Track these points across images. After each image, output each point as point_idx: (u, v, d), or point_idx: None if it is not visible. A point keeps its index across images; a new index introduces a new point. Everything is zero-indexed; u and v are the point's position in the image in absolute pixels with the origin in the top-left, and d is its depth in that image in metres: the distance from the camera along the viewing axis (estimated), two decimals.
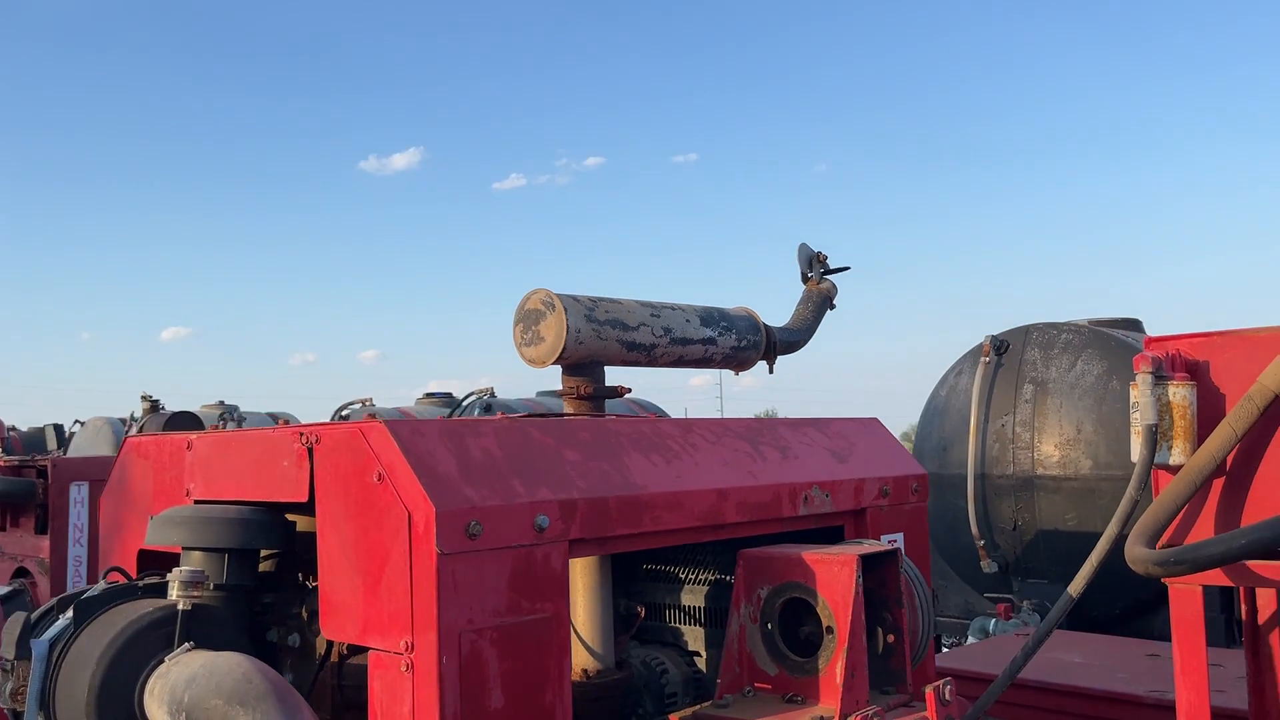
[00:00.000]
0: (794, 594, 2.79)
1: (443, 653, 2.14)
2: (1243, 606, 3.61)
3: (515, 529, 2.31)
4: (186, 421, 9.42)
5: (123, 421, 14.27)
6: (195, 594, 2.52)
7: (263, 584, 2.83)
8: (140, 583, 2.70)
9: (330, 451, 2.41)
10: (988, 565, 6.81)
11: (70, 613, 2.55)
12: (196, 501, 2.85)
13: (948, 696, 2.68)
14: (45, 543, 8.57)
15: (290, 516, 2.77)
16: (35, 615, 2.58)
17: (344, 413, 11.57)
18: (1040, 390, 6.81)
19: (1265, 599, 3.60)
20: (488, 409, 10.78)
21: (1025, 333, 7.10)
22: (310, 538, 2.84)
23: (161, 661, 2.42)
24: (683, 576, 3.32)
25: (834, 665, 2.67)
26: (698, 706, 2.76)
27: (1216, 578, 3.12)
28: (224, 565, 2.61)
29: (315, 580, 2.91)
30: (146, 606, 2.53)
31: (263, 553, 2.84)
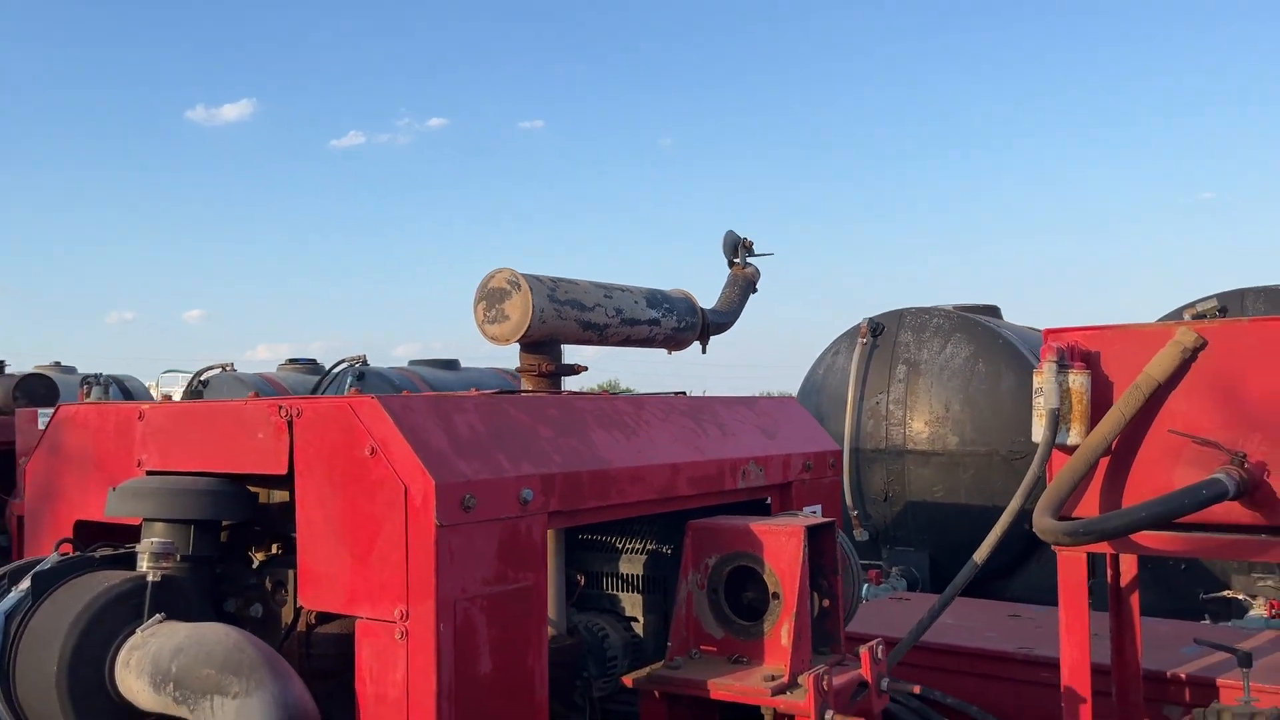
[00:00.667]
0: (741, 563, 2.98)
1: (440, 621, 2.22)
2: (1109, 572, 4.04)
3: (503, 502, 2.40)
4: (39, 384, 8.92)
5: None
6: (165, 566, 2.51)
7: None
8: (97, 554, 2.66)
9: (314, 424, 2.44)
10: (860, 534, 7.23)
11: (26, 584, 2.49)
12: (149, 472, 2.80)
13: (879, 655, 2.93)
14: None
15: (252, 489, 2.77)
16: None
17: (203, 378, 11.16)
18: (912, 370, 7.26)
19: (1127, 565, 4.04)
20: (361, 377, 10.61)
21: (899, 316, 7.53)
22: (272, 509, 2.85)
23: (132, 633, 2.40)
24: (620, 546, 3.47)
25: (779, 628, 2.88)
26: (652, 667, 2.93)
27: (1100, 546, 3.49)
28: (189, 537, 2.59)
29: (269, 552, 2.92)
30: (112, 578, 2.49)
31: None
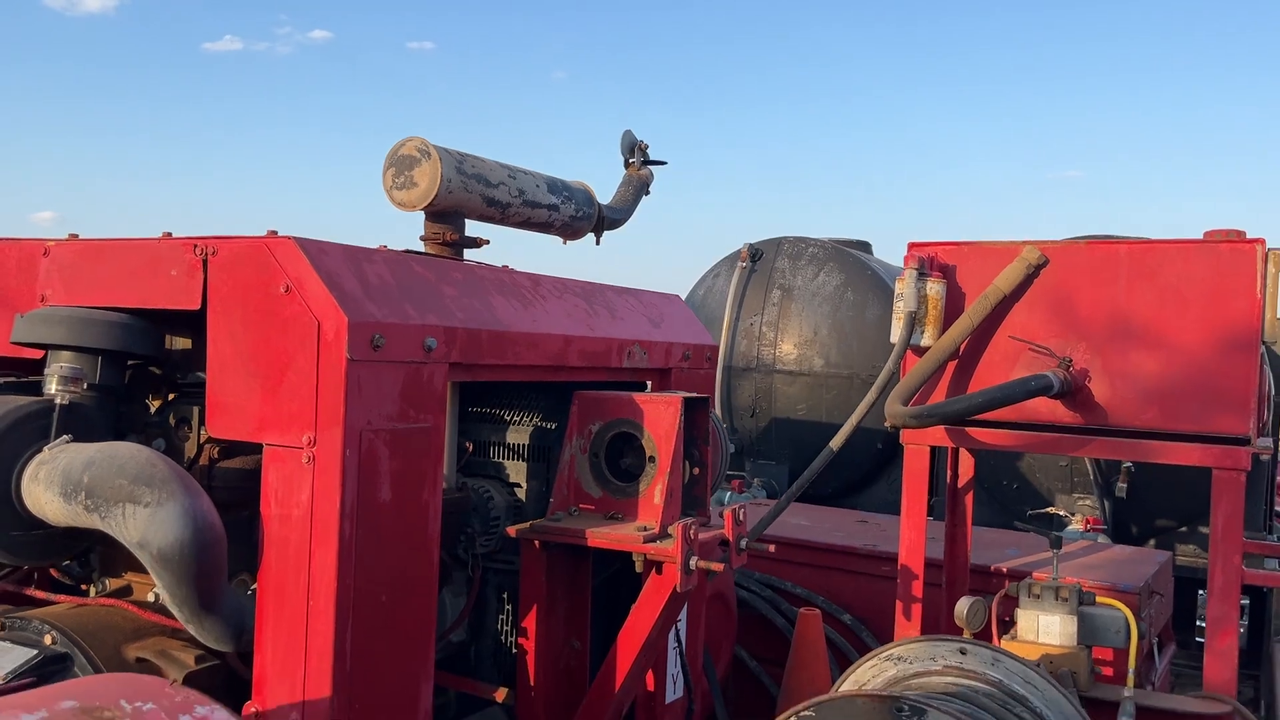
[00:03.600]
0: (622, 429, 3.23)
1: (346, 447, 2.40)
2: (949, 473, 4.48)
3: (409, 347, 2.57)
4: None
5: None
6: (74, 389, 2.60)
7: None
8: (1, 380, 2.72)
9: (229, 263, 2.55)
10: (730, 446, 7.64)
11: None
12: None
13: (741, 518, 3.23)
14: None
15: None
16: None
17: None
18: (786, 295, 7.63)
19: (965, 467, 4.49)
20: None
21: (778, 244, 7.88)
22: (174, 354, 2.94)
23: (39, 451, 2.50)
24: (508, 419, 3.67)
25: (653, 488, 3.15)
26: (533, 521, 3.17)
27: (940, 439, 3.89)
28: (97, 366, 2.68)
29: (165, 400, 3.02)
30: (19, 400, 2.57)
31: None
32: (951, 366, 3.80)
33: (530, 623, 3.23)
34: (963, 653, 2.88)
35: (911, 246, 3.85)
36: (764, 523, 3.96)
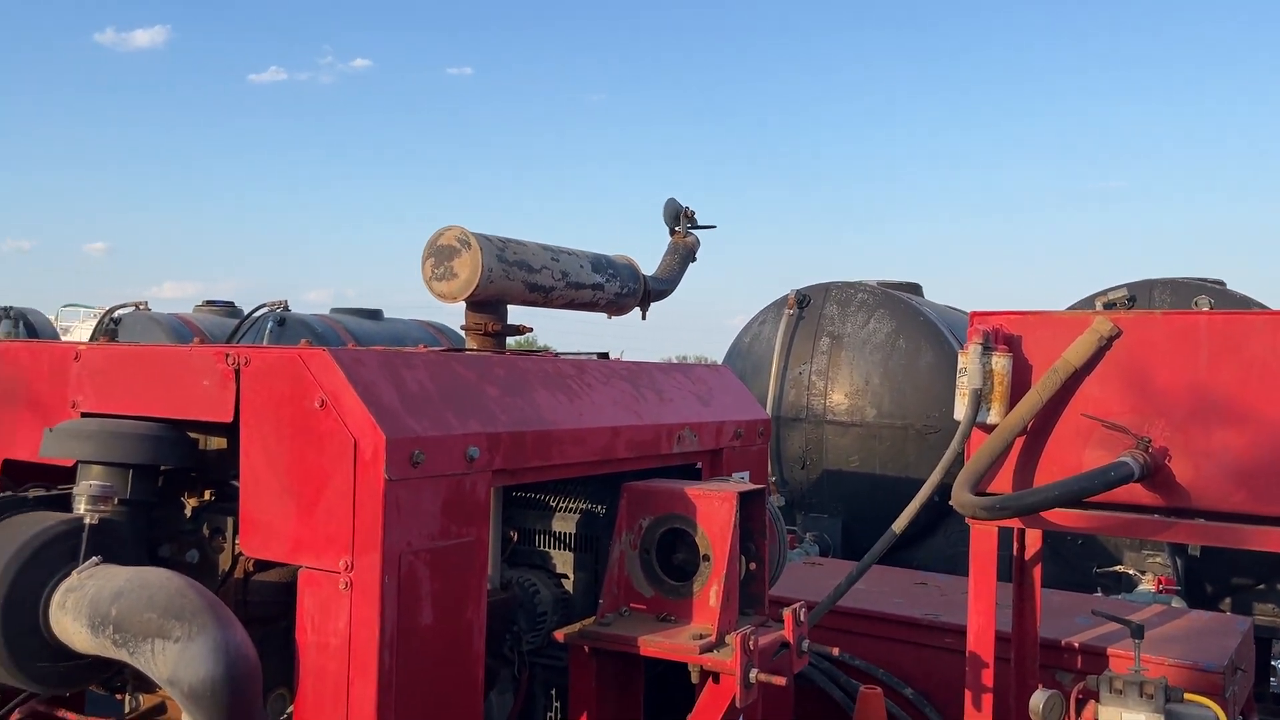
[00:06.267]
0: (674, 525, 3.07)
1: (385, 573, 2.26)
2: (1015, 545, 4.25)
3: (450, 459, 2.44)
4: None
5: None
6: (103, 509, 2.49)
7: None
8: (30, 494, 2.62)
9: (262, 374, 2.44)
10: (777, 499, 7.42)
11: None
12: (84, 414, 2.77)
13: (801, 618, 3.05)
14: None
15: (192, 434, 2.75)
16: None
17: (115, 315, 10.85)
18: (835, 343, 7.43)
19: (1032, 539, 4.26)
20: (281, 323, 10.42)
21: (825, 290, 7.69)
22: (209, 455, 2.84)
23: (68, 575, 2.39)
24: (554, 504, 3.53)
25: (708, 589, 2.98)
26: (583, 623, 3.01)
27: (1012, 521, 3.68)
28: (128, 480, 2.57)
29: (202, 499, 2.92)
30: (47, 519, 2.47)
31: None
32: (1019, 443, 3.60)
33: None
34: None
35: (975, 318, 3.66)
36: (823, 607, 3.77)
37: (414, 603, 2.34)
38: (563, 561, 3.47)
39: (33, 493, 2.63)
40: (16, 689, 2.83)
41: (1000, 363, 3.52)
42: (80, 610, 2.29)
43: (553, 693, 3.39)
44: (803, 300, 7.64)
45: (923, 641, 4.95)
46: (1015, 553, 4.25)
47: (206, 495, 2.96)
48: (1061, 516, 3.54)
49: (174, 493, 2.93)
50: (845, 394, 7.30)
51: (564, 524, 3.48)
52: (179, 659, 2.18)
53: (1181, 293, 6.94)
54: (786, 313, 7.63)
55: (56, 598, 2.35)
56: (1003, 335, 3.61)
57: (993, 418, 3.51)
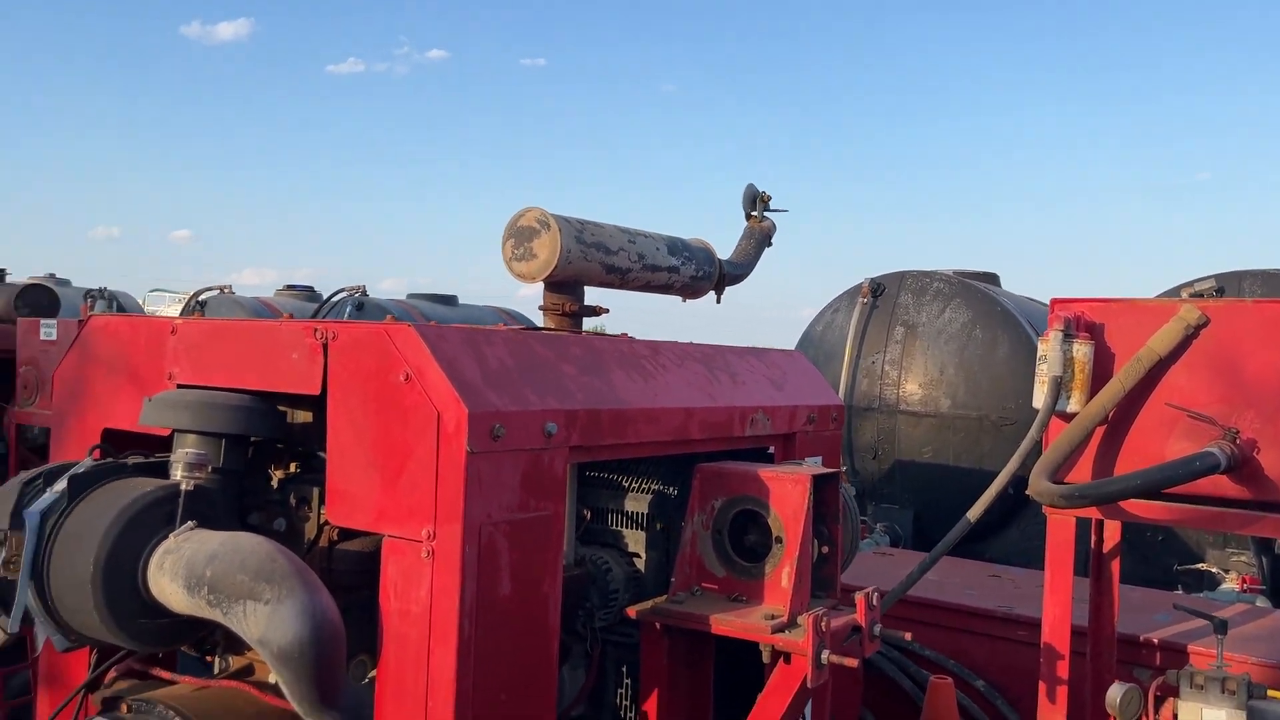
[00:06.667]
0: (746, 506, 3.08)
1: (466, 542, 2.32)
2: (1093, 538, 4.18)
3: (529, 434, 2.49)
4: (42, 294, 8.92)
5: None
6: (198, 476, 2.60)
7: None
8: (129, 461, 2.74)
9: (349, 348, 2.51)
10: (849, 488, 7.39)
11: (62, 485, 2.58)
12: (179, 385, 2.88)
13: (874, 602, 3.05)
14: None
15: (281, 407, 2.84)
16: (20, 485, 2.59)
17: (201, 298, 11.18)
18: (910, 332, 7.36)
19: (1110, 531, 4.18)
20: (360, 308, 10.64)
21: (900, 278, 7.61)
22: (295, 428, 2.93)
23: (165, 538, 2.49)
24: (627, 485, 3.57)
25: (780, 571, 2.99)
26: (655, 600, 3.05)
27: (1090, 511, 3.62)
28: (220, 450, 2.67)
29: (288, 470, 3.01)
30: (146, 485, 2.58)
31: None
32: (1100, 433, 3.54)
33: (651, 706, 3.10)
34: None
35: (1055, 304, 3.60)
36: (895, 594, 3.76)
37: (493, 573, 2.39)
38: (635, 541, 3.51)
39: (132, 460, 2.75)
40: (114, 648, 2.97)
41: (1082, 350, 3.46)
42: (177, 572, 2.39)
43: (624, 670, 3.43)
44: (877, 289, 7.57)
45: (996, 634, 4.89)
46: (1093, 545, 4.18)
47: (293, 468, 3.06)
48: (1142, 508, 3.48)
49: (262, 464, 3.03)
50: (919, 384, 7.22)
51: (637, 504, 3.52)
52: (269, 620, 2.27)
53: (1273, 284, 6.73)
54: (860, 301, 7.57)
55: (154, 559, 2.46)
56: (1085, 323, 3.54)
57: (1072, 406, 3.45)
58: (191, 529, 2.50)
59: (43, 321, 8.05)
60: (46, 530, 2.51)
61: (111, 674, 2.96)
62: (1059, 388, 3.43)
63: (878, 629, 3.03)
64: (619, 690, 3.48)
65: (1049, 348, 3.46)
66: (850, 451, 7.45)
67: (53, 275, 14.38)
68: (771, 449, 3.73)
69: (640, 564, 3.49)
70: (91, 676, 2.93)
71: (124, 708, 2.61)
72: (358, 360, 2.49)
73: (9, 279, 9.92)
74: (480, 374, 2.45)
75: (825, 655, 2.76)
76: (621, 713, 3.46)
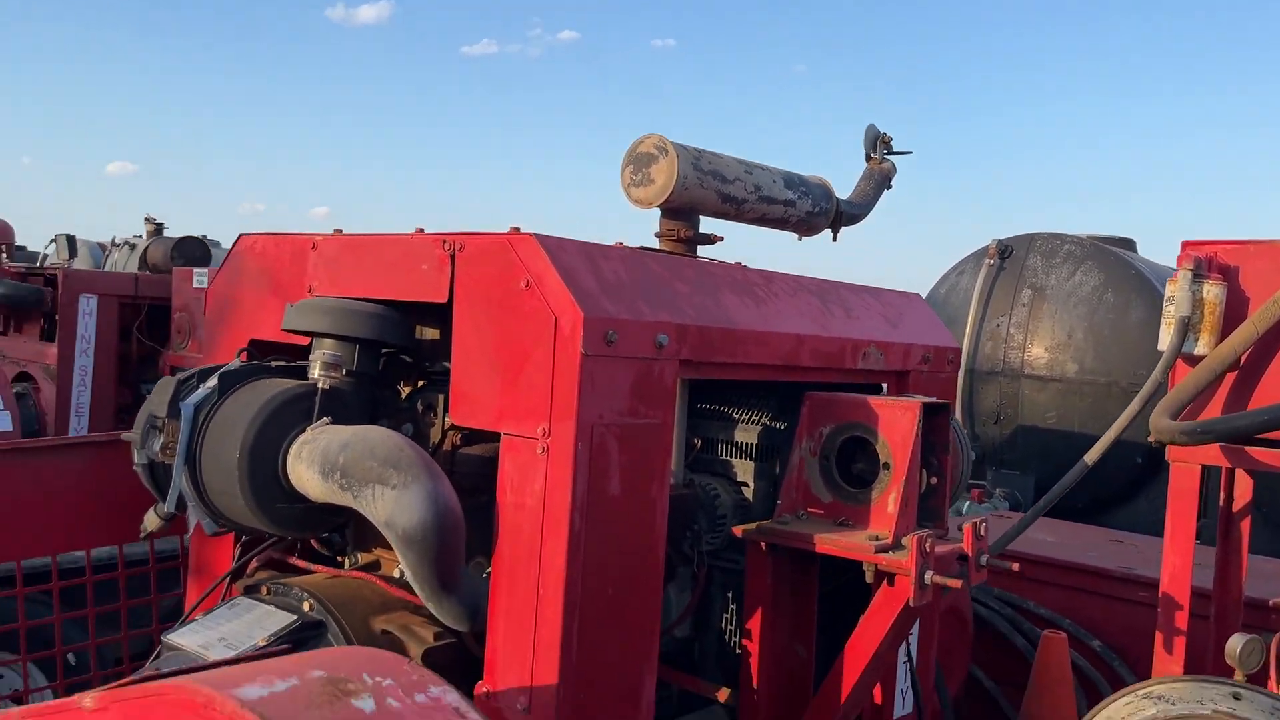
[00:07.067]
0: (854, 433, 3.12)
1: (578, 439, 2.43)
2: (1222, 495, 4.04)
3: (641, 343, 2.58)
4: (195, 246, 9.50)
5: (101, 246, 14.25)
6: (334, 375, 2.79)
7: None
8: (273, 364, 2.96)
9: (474, 258, 2.65)
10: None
11: (213, 382, 2.80)
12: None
13: (983, 532, 3.05)
14: (51, 350, 8.72)
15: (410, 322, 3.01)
16: (176, 381, 2.83)
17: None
18: (1037, 295, 7.17)
19: (1241, 487, 4.03)
20: None
21: (1029, 240, 7.42)
22: (423, 345, 3.10)
23: (302, 431, 2.69)
24: (736, 416, 3.63)
25: (886, 496, 3.02)
26: (761, 522, 3.12)
27: (1215, 458, 3.51)
28: (355, 354, 2.85)
29: (414, 386, 3.19)
30: (288, 383, 2.78)
31: None
32: (1230, 378, 3.42)
33: (755, 624, 3.18)
34: (1236, 698, 2.59)
35: (1186, 245, 3.49)
36: (1008, 537, 3.73)
37: (603, 471, 2.50)
38: (743, 470, 3.58)
39: (274, 363, 2.97)
40: (255, 541, 3.21)
41: (1213, 291, 3.36)
42: (313, 459, 2.58)
43: (729, 594, 3.51)
44: (1004, 250, 7.40)
45: (1115, 594, 4.78)
46: (1221, 503, 4.04)
47: (418, 384, 3.24)
48: (1275, 458, 3.35)
49: (392, 378, 3.22)
50: (1045, 348, 7.04)
51: (746, 435, 3.58)
52: (395, 503, 2.43)
53: None
54: (986, 263, 7.41)
55: (293, 449, 2.66)
56: (1218, 264, 3.43)
57: (1200, 349, 3.35)
58: (326, 424, 2.69)
59: (195, 270, 8.59)
60: (199, 420, 2.74)
61: (253, 565, 3.20)
62: (1186, 329, 3.33)
63: (984, 558, 3.03)
64: (724, 615, 3.56)
65: (1177, 289, 3.36)
66: (971, 416, 7.32)
67: (205, 236, 15.24)
68: (885, 387, 3.73)
69: (748, 493, 3.56)
70: (236, 565, 3.17)
71: (263, 590, 2.83)
72: (482, 269, 2.62)
73: (166, 234, 10.59)
74: (596, 283, 2.56)
75: (929, 576, 2.78)
76: (726, 637, 3.55)
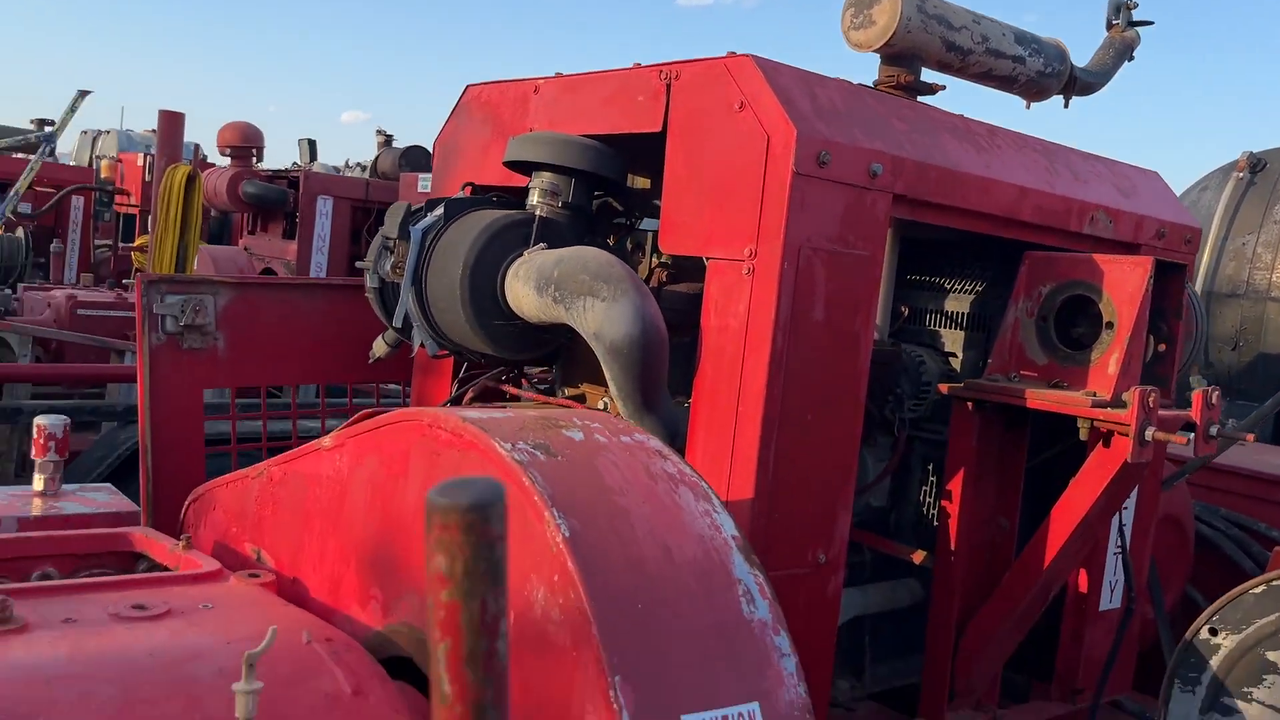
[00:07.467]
0: (1077, 291, 2.96)
1: (785, 260, 2.43)
2: None
3: (854, 169, 2.54)
4: (420, 154, 10.01)
5: (336, 170, 15.25)
6: (551, 204, 2.89)
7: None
8: (493, 196, 3.10)
9: (689, 84, 2.66)
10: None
11: (439, 210, 2.96)
12: None
13: (1214, 401, 2.84)
14: (292, 247, 9.47)
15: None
16: (406, 208, 3.01)
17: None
18: None
19: None
20: None
21: None
22: (633, 193, 3.16)
23: (520, 254, 2.81)
24: (947, 286, 3.52)
25: (1108, 356, 2.86)
26: (968, 380, 3.02)
27: None
28: (570, 186, 2.94)
29: (629, 220, 3.25)
30: (508, 212, 2.91)
31: None
32: None
33: (955, 487, 3.10)
34: None
35: None
36: (1261, 413, 3.45)
37: (808, 295, 2.49)
38: (952, 340, 3.47)
39: (495, 196, 3.11)
40: (472, 375, 3.40)
41: None
42: (529, 276, 2.70)
43: (929, 466, 3.44)
44: (1256, 164, 6.77)
45: None
46: None
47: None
48: None
49: (603, 223, 3.31)
50: None
51: (957, 304, 3.47)
52: (605, 315, 2.51)
53: None
54: (1235, 176, 6.80)
55: (511, 269, 2.79)
56: None
57: None
58: (542, 249, 2.80)
59: (420, 175, 9.06)
60: (425, 244, 2.91)
61: (468, 397, 3.39)
62: None
63: (1214, 428, 2.83)
64: (923, 486, 3.49)
65: None
66: (1207, 341, 6.79)
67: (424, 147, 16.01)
68: None
69: (956, 364, 3.45)
70: (454, 395, 3.37)
71: None
72: (697, 95, 2.64)
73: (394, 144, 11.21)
74: (811, 107, 2.53)
75: (1150, 432, 2.62)
76: (924, 509, 3.48)
